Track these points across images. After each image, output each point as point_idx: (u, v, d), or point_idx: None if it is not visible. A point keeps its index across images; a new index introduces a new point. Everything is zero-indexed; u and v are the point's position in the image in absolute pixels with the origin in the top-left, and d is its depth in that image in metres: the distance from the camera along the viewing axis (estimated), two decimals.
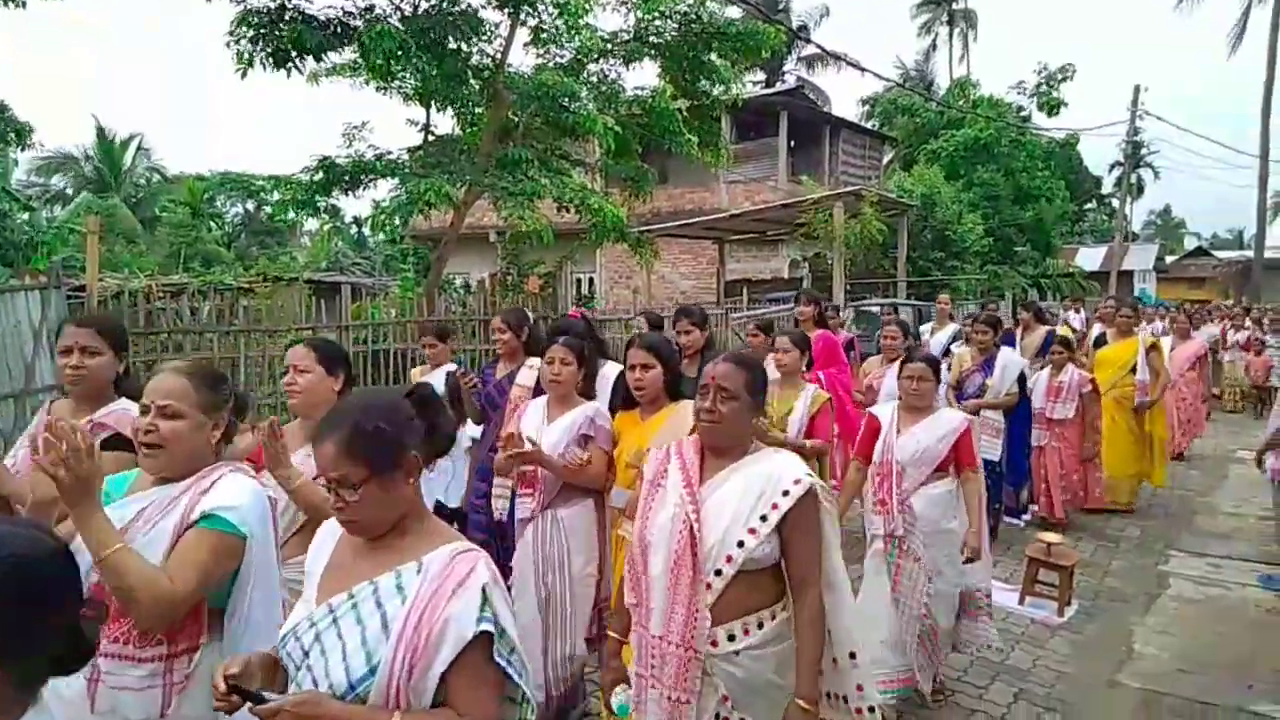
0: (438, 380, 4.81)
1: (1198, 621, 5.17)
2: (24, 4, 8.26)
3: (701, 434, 2.32)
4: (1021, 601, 5.25)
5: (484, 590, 1.55)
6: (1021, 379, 6.60)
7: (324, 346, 2.93)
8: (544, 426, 3.46)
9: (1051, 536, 5.30)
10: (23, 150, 9.98)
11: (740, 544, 2.13)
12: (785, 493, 2.15)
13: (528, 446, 3.17)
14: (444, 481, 4.86)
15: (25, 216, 16.36)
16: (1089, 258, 34.07)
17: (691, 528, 2.16)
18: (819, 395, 4.39)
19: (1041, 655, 4.61)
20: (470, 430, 4.71)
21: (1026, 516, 7.10)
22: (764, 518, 2.14)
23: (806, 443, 4.20)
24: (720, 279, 18.30)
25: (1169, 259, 45.94)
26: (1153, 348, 7.50)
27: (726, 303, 15.89)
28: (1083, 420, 6.93)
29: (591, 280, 21.95)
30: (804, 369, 4.47)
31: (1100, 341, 8.09)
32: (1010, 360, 6.67)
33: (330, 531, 1.78)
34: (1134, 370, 7.47)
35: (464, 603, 1.53)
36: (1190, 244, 57.88)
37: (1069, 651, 4.68)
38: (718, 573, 2.14)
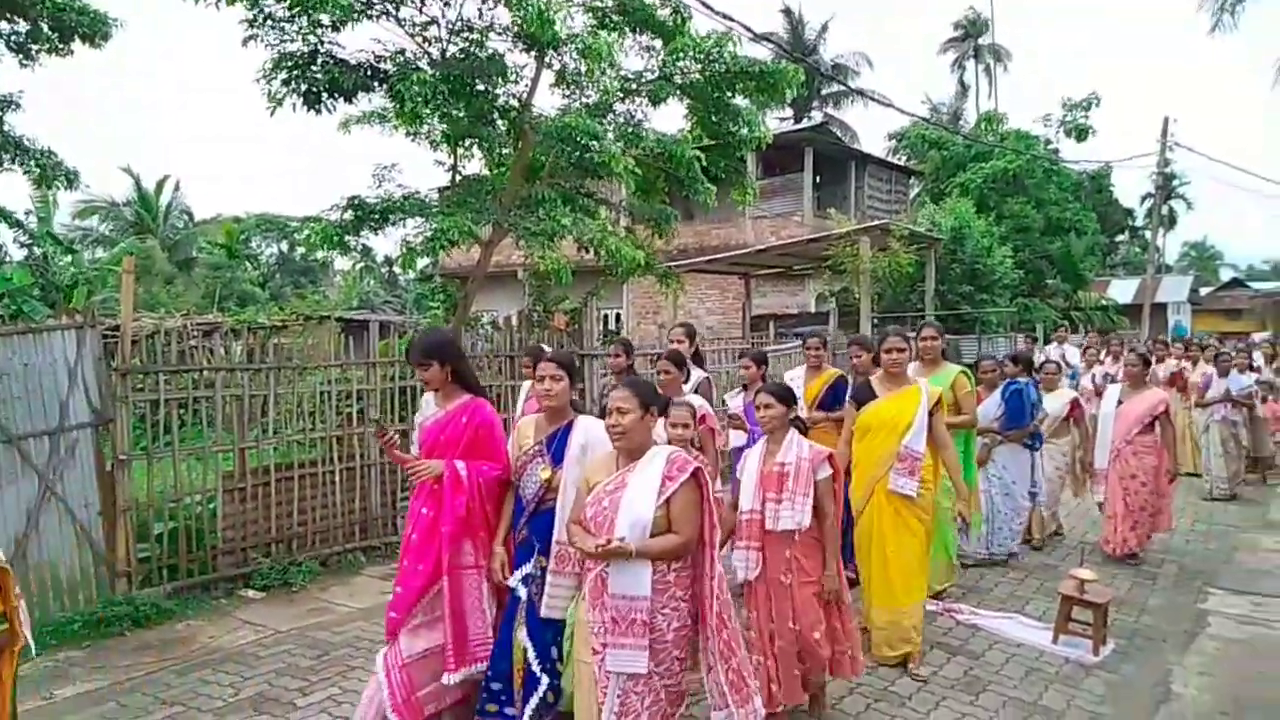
0: None
1: (1240, 662, 5.03)
2: (105, 41, 9.48)
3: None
4: (1055, 641, 5.14)
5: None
6: None
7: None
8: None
9: (1085, 573, 5.19)
10: (68, 190, 10.43)
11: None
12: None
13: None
14: None
15: (68, 259, 16.86)
16: (1122, 290, 33.85)
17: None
18: None
19: (1076, 696, 4.50)
20: None
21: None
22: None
23: None
24: (746, 313, 18.33)
25: (1204, 291, 45.44)
26: (938, 406, 4.79)
27: (753, 336, 15.90)
28: (820, 530, 3.92)
29: (618, 316, 22.08)
30: None
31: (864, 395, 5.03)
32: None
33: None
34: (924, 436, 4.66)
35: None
36: (1226, 276, 57.15)
37: (1104, 692, 4.57)
38: None
